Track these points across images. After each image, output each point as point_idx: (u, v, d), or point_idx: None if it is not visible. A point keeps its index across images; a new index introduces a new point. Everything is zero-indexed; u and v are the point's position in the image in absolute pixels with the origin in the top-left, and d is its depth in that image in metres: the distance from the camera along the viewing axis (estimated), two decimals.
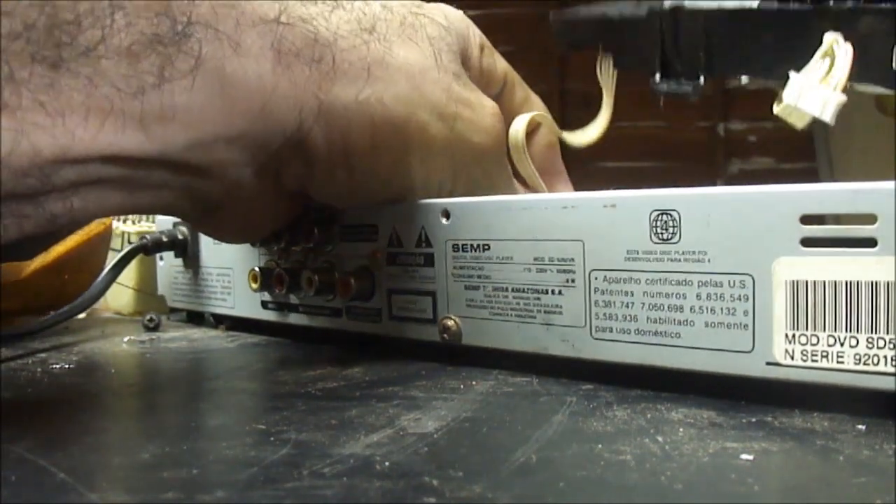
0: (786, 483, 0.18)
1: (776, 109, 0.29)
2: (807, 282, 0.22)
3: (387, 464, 0.19)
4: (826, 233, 0.21)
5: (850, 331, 0.21)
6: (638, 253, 0.25)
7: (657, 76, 0.35)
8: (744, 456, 0.19)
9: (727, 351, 0.23)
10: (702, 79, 0.34)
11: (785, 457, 0.19)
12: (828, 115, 0.28)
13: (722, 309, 0.23)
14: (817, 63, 0.29)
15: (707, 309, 0.24)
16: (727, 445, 0.20)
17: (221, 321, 0.44)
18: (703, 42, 0.33)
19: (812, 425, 0.21)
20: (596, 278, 0.26)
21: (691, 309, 0.24)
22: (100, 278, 0.41)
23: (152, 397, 0.30)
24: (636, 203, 0.25)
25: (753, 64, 0.33)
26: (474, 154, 0.31)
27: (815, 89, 0.28)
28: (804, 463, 0.19)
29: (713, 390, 0.24)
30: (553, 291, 0.27)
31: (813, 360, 0.22)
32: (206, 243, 0.43)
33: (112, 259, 0.42)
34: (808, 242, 0.22)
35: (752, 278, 0.23)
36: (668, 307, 0.24)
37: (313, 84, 0.27)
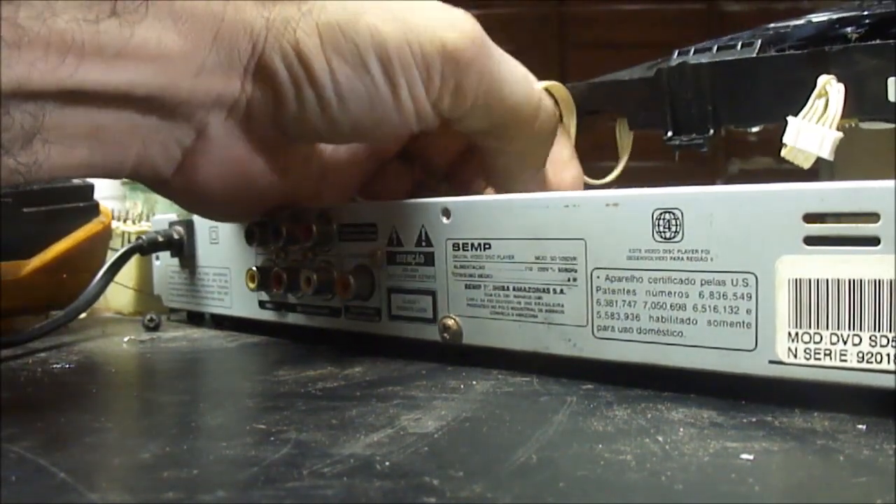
0: (786, 483, 0.18)
1: (783, 153, 0.31)
2: (809, 280, 0.22)
3: (387, 464, 0.19)
4: (829, 231, 0.21)
5: (853, 329, 0.21)
6: (640, 252, 0.25)
7: (669, 133, 0.36)
8: (744, 456, 0.19)
9: (730, 349, 0.23)
10: (712, 130, 0.35)
11: (785, 457, 0.19)
12: (825, 152, 0.30)
13: (725, 307, 0.23)
14: (813, 104, 0.30)
15: (710, 307, 0.24)
16: (727, 445, 0.20)
17: (221, 321, 0.44)
18: (710, 94, 0.35)
19: (812, 425, 0.21)
20: (598, 277, 0.26)
21: (694, 307, 0.24)
22: (95, 280, 0.41)
23: (152, 397, 0.30)
24: (639, 202, 0.25)
25: (757, 111, 0.34)
26: (450, 55, 0.29)
27: (812, 129, 0.30)
28: (804, 463, 0.19)
29: (715, 389, 0.24)
30: (555, 290, 0.27)
31: (816, 359, 0.22)
32: (203, 243, 0.43)
33: (109, 259, 0.42)
34: (810, 241, 0.22)
35: (755, 277, 0.23)
36: (671, 306, 0.24)
37: (258, 4, 0.27)
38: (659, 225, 0.24)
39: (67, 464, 0.19)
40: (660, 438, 0.20)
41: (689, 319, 0.24)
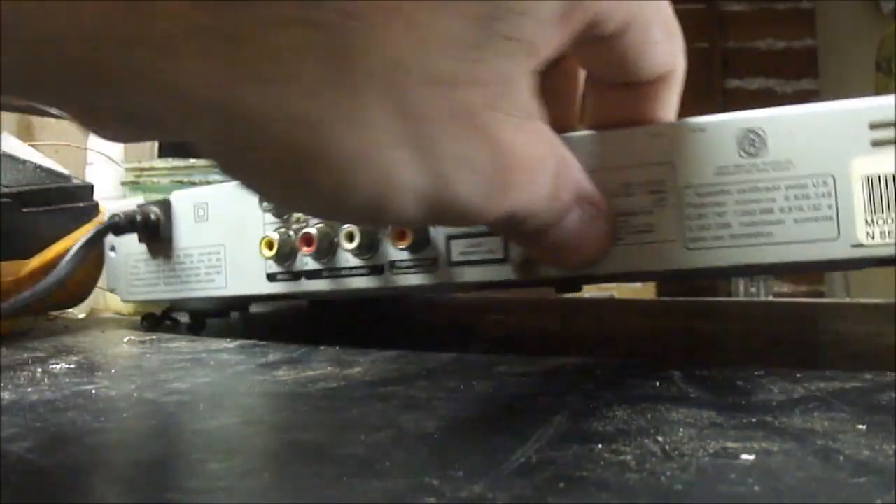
0: (786, 483, 0.18)
1: None
2: (878, 175, 0.25)
3: (387, 464, 0.19)
4: (891, 134, 0.25)
5: None
6: (728, 168, 0.27)
7: None
8: (744, 456, 0.19)
9: (816, 241, 0.26)
10: None
11: (785, 457, 0.19)
12: None
13: (808, 206, 0.26)
14: None
15: (795, 208, 0.26)
16: (727, 445, 0.20)
17: (199, 319, 0.43)
18: None
19: (812, 425, 0.21)
20: (688, 194, 0.27)
21: (780, 210, 0.26)
22: (67, 258, 0.38)
23: (152, 397, 0.30)
24: (724, 126, 0.27)
25: None
26: None
27: None
28: (804, 463, 0.19)
29: (715, 389, 0.24)
30: (644, 212, 0.28)
31: (891, 238, 0.25)
32: (186, 222, 0.40)
33: (83, 238, 0.39)
34: (877, 143, 0.25)
35: (833, 178, 0.26)
36: (760, 211, 0.26)
37: None
38: (744, 144, 0.26)
39: (67, 464, 0.19)
40: (660, 438, 0.20)
41: (777, 220, 0.26)
